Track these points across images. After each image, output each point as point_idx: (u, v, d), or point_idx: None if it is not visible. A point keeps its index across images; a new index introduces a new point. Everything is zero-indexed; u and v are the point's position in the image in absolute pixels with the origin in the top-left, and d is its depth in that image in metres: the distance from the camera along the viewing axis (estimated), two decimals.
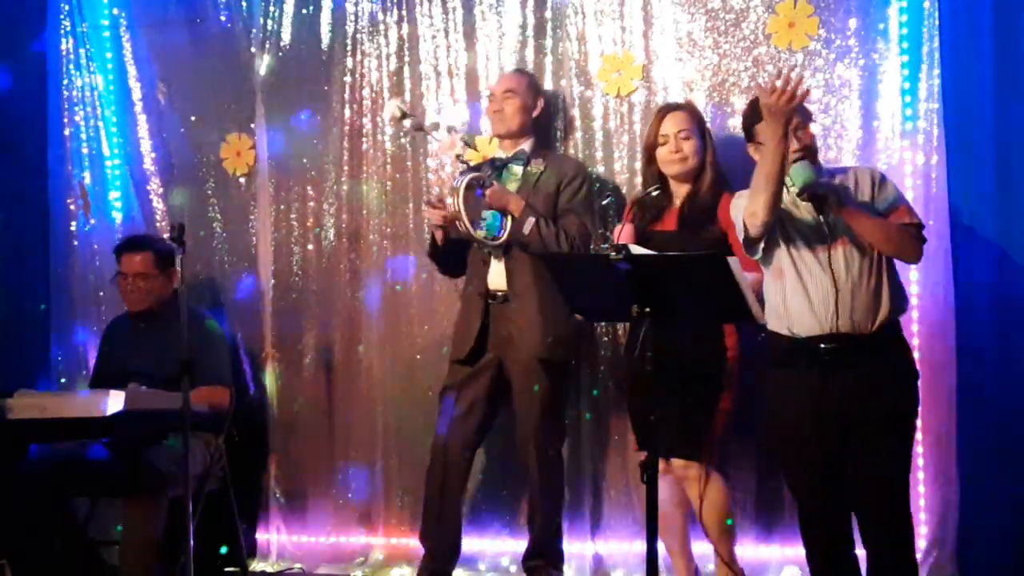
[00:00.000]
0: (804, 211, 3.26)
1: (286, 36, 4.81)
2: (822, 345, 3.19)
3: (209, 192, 4.93)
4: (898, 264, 3.31)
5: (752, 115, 3.31)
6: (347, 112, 4.73)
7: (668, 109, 3.86)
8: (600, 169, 4.37)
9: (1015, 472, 3.92)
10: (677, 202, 3.83)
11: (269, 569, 4.69)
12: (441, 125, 4.15)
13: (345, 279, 4.74)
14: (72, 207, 5.02)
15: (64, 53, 5.03)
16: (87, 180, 5.00)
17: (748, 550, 4.01)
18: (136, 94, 4.99)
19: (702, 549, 3.92)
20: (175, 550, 3.76)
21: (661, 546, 3.52)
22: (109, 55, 5.02)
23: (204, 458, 4.13)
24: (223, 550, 4.38)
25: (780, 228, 3.27)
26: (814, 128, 3.39)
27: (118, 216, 5.00)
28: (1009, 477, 3.93)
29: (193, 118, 4.95)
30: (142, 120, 4.99)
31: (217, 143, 4.91)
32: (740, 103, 4.14)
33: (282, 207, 4.82)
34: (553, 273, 3.44)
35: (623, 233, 3.73)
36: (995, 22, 4.01)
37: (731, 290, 2.96)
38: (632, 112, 4.36)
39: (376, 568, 4.56)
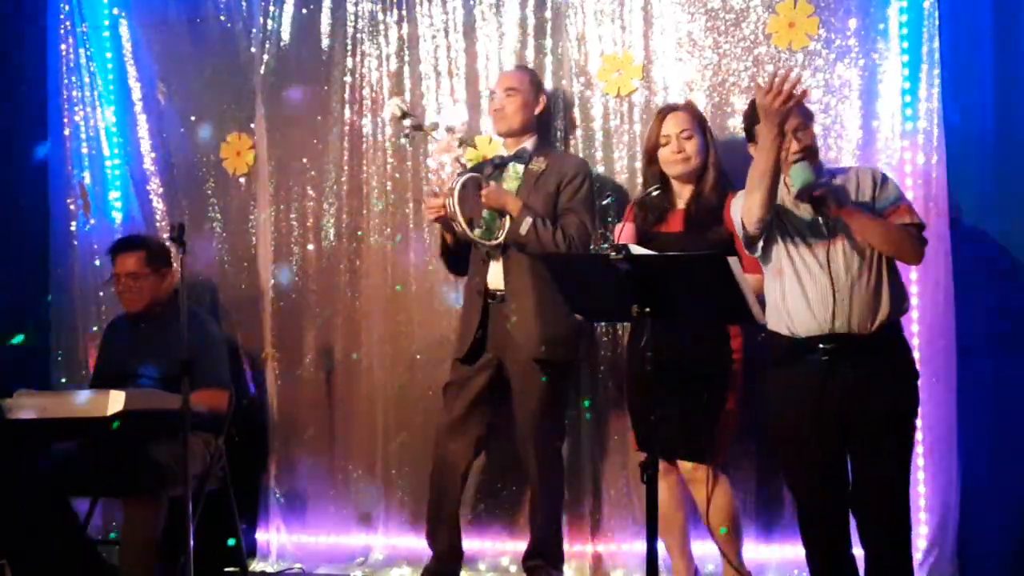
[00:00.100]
0: (803, 210, 3.26)
1: (286, 36, 4.81)
2: (821, 345, 3.19)
3: (209, 192, 4.93)
4: (898, 264, 3.31)
5: (752, 115, 3.30)
6: (347, 112, 4.73)
7: (669, 110, 3.86)
8: (600, 169, 4.36)
9: (1015, 472, 3.92)
10: (681, 203, 3.81)
11: (269, 569, 4.69)
12: (440, 125, 4.14)
13: (345, 279, 4.73)
14: (72, 207, 5.02)
15: (64, 53, 5.03)
16: (87, 180, 5.00)
17: (748, 550, 4.00)
18: (136, 94, 5.00)
19: (702, 549, 3.93)
20: (175, 550, 3.75)
21: (661, 546, 3.52)
22: (109, 55, 5.03)
23: (204, 458, 4.13)
24: (231, 542, 4.37)
25: (779, 225, 3.27)
26: (814, 128, 3.38)
27: (118, 216, 5.00)
28: (1009, 477, 3.93)
29: (193, 118, 4.95)
30: (142, 120, 4.99)
31: (217, 143, 4.91)
32: (740, 103, 4.14)
33: (282, 207, 4.82)
34: (553, 273, 3.42)
35: (624, 233, 3.73)
36: (995, 22, 4.02)
37: (731, 290, 2.95)
38: (632, 112, 4.36)
39: (376, 568, 4.56)
